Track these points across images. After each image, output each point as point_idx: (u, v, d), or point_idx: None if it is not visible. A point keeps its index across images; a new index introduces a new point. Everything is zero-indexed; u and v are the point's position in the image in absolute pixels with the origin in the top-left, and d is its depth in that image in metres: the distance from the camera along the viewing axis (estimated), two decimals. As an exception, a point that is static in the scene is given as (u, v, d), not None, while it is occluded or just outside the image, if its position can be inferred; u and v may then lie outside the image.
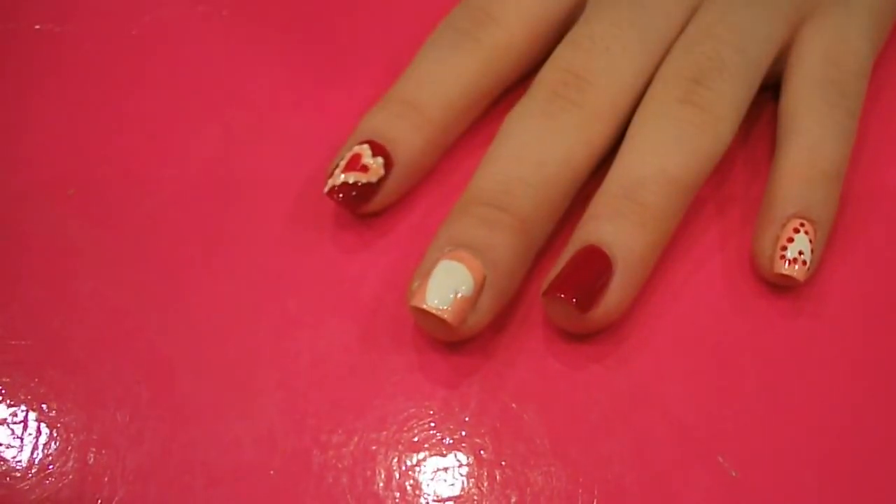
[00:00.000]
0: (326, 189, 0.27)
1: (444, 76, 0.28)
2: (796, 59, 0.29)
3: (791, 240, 0.26)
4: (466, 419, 0.25)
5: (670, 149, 0.26)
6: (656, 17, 0.29)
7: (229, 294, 0.27)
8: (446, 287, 0.24)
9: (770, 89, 0.30)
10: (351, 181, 0.27)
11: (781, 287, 0.27)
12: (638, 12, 0.29)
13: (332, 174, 0.27)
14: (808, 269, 0.26)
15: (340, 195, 0.27)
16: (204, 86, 0.31)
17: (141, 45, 0.32)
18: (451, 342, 0.26)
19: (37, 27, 0.33)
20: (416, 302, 0.25)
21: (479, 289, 0.25)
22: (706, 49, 0.28)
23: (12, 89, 0.31)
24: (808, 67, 0.29)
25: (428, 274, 0.25)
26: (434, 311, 0.24)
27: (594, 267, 0.25)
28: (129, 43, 0.32)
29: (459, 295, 0.24)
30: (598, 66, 0.28)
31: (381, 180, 0.27)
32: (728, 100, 0.27)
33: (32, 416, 0.25)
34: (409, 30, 0.31)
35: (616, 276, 0.25)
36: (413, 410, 0.25)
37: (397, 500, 0.24)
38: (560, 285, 0.25)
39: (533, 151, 0.27)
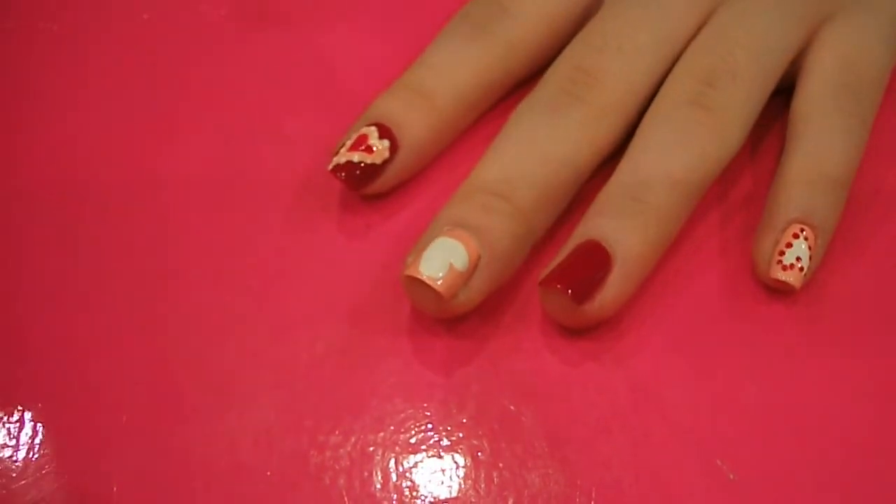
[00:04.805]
0: (331, 166, 0.27)
1: (456, 67, 0.29)
2: (813, 63, 0.29)
3: (790, 245, 0.26)
4: (464, 420, 0.25)
5: (677, 150, 0.26)
6: (671, 18, 0.28)
7: (227, 294, 0.27)
8: (441, 259, 0.25)
9: (783, 93, 0.30)
10: (355, 160, 0.27)
11: (780, 291, 0.27)
12: (653, 12, 0.28)
13: (337, 152, 0.27)
14: (805, 275, 0.26)
15: (343, 174, 0.27)
16: (203, 85, 0.31)
17: (140, 44, 0.32)
18: (443, 319, 0.26)
19: (37, 27, 0.33)
20: (410, 271, 0.25)
21: (473, 267, 0.25)
22: (720, 52, 0.28)
23: (12, 89, 0.32)
24: (825, 72, 0.28)
25: (424, 248, 0.25)
26: (426, 281, 0.24)
27: (593, 261, 0.25)
28: (128, 42, 0.32)
29: (453, 268, 0.24)
30: (608, 64, 0.28)
31: (386, 163, 0.27)
32: (739, 104, 0.27)
33: (28, 415, 0.25)
34: (410, 29, 0.31)
35: (614, 271, 0.25)
36: (410, 412, 0.25)
37: (394, 502, 0.24)
38: (557, 276, 0.25)
39: (537, 146, 0.27)
